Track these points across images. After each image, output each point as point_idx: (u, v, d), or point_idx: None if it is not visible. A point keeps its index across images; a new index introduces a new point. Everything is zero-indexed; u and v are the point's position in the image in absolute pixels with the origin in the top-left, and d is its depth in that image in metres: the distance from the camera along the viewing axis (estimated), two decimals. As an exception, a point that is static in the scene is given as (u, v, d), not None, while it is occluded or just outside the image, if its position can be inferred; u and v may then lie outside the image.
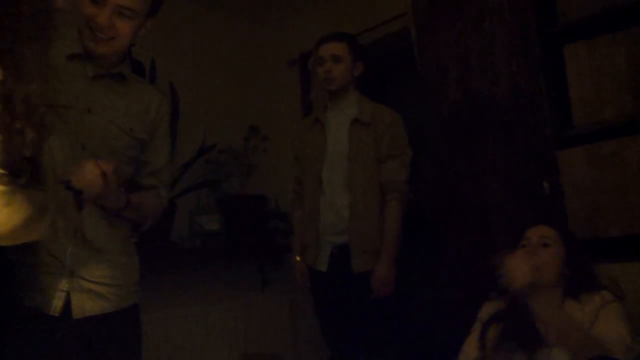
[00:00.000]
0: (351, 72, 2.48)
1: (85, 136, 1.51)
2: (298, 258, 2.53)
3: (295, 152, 2.68)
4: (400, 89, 3.21)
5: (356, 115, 2.44)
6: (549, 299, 1.76)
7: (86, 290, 1.50)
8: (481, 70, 2.31)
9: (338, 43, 2.46)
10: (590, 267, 1.80)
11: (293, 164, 2.71)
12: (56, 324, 1.44)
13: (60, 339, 1.44)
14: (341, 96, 2.49)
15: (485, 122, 2.29)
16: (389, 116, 2.44)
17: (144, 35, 1.63)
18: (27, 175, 1.14)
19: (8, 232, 1.12)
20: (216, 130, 3.27)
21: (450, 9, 2.41)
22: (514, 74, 2.20)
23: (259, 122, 3.37)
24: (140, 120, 1.63)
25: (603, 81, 2.02)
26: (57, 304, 1.46)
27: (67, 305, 1.47)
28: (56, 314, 1.45)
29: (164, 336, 2.87)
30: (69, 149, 1.46)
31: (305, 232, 2.49)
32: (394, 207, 2.34)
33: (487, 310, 1.88)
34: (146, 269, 2.88)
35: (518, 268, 1.65)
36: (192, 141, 3.14)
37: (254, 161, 3.28)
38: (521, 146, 2.17)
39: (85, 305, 1.49)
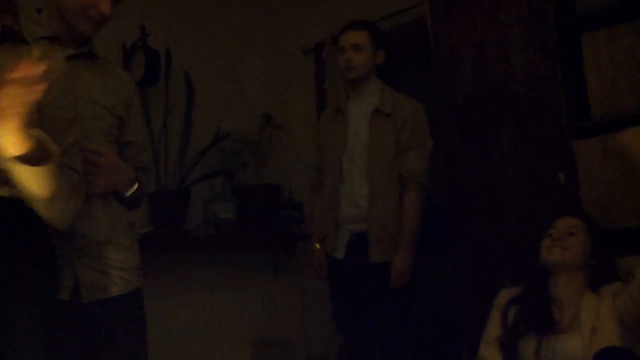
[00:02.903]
0: (372, 60, 2.46)
1: None
2: (317, 246, 2.53)
3: (316, 141, 2.68)
4: (415, 79, 3.19)
5: (377, 106, 2.43)
6: (570, 286, 1.80)
7: (95, 274, 1.51)
8: (497, 60, 2.28)
9: (359, 32, 2.44)
10: (612, 259, 1.81)
11: (314, 152, 2.71)
12: (66, 308, 1.45)
13: (69, 323, 1.46)
14: (362, 85, 2.48)
15: (500, 113, 2.27)
16: (411, 106, 2.42)
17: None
18: None
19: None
20: (231, 119, 3.28)
21: (467, -3, 2.39)
22: (530, 64, 2.18)
23: (273, 111, 3.38)
24: (118, 98, 1.64)
25: (621, 71, 1.99)
26: (67, 288, 1.47)
27: (76, 289, 1.49)
28: (66, 298, 1.46)
29: (177, 322, 2.90)
30: None
31: (324, 221, 2.50)
32: (413, 198, 2.34)
33: (504, 296, 1.90)
34: (160, 256, 2.93)
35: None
36: (207, 130, 3.16)
37: (269, 150, 3.29)
38: (536, 137, 2.15)
39: (94, 289, 1.51)
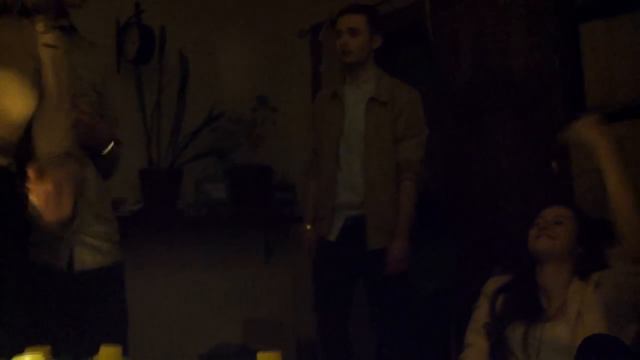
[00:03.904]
0: (369, 45, 2.44)
1: None
2: (308, 227, 2.54)
3: (312, 124, 2.67)
4: (412, 64, 3.18)
5: (373, 94, 2.42)
6: (558, 274, 1.81)
7: (87, 244, 1.56)
8: (495, 48, 2.29)
9: (356, 15, 2.42)
10: (600, 248, 1.82)
11: (310, 135, 2.70)
12: (59, 278, 1.50)
13: (63, 292, 1.51)
14: (359, 70, 2.47)
15: (497, 100, 2.27)
16: (407, 94, 2.41)
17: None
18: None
19: None
20: (225, 100, 3.25)
21: (467, -17, 2.38)
22: (528, 52, 2.18)
23: (268, 92, 3.35)
24: (97, 73, 1.65)
25: (619, 62, 2.00)
26: (63, 258, 1.51)
27: (70, 259, 1.53)
28: (64, 268, 1.51)
29: (168, 301, 2.91)
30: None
31: (320, 205, 2.51)
32: (409, 186, 2.36)
33: (492, 284, 1.91)
34: (152, 235, 2.92)
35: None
36: (200, 109, 3.13)
37: (262, 132, 3.27)
38: (532, 125, 2.16)
39: (85, 259, 1.56)
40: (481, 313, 1.89)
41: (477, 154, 2.32)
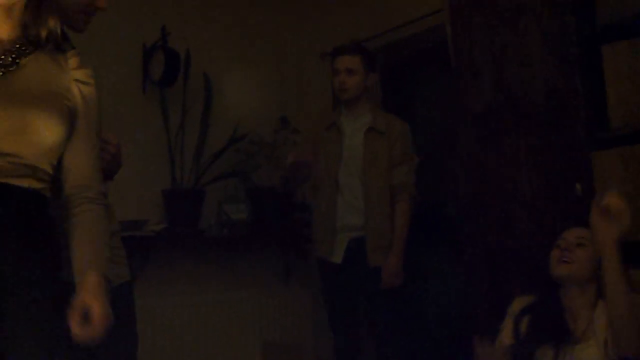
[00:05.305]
0: (364, 83, 2.67)
1: None
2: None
3: (310, 140, 2.86)
4: (433, 86, 3.19)
5: (371, 124, 2.65)
6: (582, 296, 1.79)
7: (112, 263, 1.53)
8: (516, 69, 2.28)
9: (352, 57, 2.66)
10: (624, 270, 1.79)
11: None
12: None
13: None
14: (354, 105, 2.70)
15: (518, 122, 2.26)
16: (400, 125, 2.67)
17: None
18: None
19: None
20: (248, 121, 3.29)
21: (487, 6, 2.39)
22: (550, 74, 2.17)
23: (290, 114, 3.39)
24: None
25: (642, 83, 1.98)
26: None
27: None
28: None
29: (187, 321, 2.92)
30: None
31: (319, 227, 2.70)
32: (404, 206, 2.57)
33: (518, 305, 1.90)
34: (174, 255, 2.95)
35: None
36: (223, 130, 3.18)
37: (283, 153, 3.30)
38: (554, 147, 2.14)
39: (109, 276, 1.55)
40: (506, 334, 1.86)
41: (499, 175, 2.30)
